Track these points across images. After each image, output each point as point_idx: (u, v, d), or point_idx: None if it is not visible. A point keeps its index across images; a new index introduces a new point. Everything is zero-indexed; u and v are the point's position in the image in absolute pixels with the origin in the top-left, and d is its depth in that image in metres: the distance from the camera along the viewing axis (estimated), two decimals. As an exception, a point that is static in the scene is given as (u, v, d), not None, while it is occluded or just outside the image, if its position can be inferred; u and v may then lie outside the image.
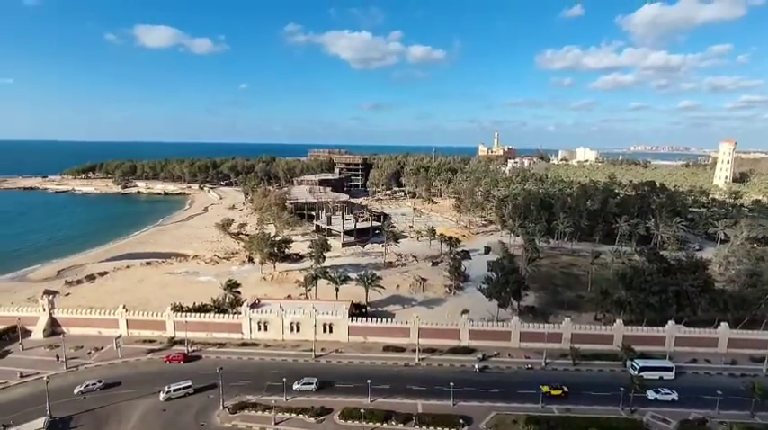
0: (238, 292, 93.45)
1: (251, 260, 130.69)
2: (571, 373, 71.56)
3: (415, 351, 76.65)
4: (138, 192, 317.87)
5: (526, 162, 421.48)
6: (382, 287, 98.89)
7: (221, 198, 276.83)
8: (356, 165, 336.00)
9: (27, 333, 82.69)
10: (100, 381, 66.64)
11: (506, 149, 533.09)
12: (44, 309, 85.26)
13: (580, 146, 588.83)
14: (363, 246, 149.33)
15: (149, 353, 77.23)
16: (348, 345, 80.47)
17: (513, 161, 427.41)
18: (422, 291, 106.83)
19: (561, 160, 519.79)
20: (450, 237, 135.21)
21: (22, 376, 69.27)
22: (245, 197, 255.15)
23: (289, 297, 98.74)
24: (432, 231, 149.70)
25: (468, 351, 78.31)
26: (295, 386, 65.76)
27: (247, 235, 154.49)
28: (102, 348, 78.67)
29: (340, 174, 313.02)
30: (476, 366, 72.93)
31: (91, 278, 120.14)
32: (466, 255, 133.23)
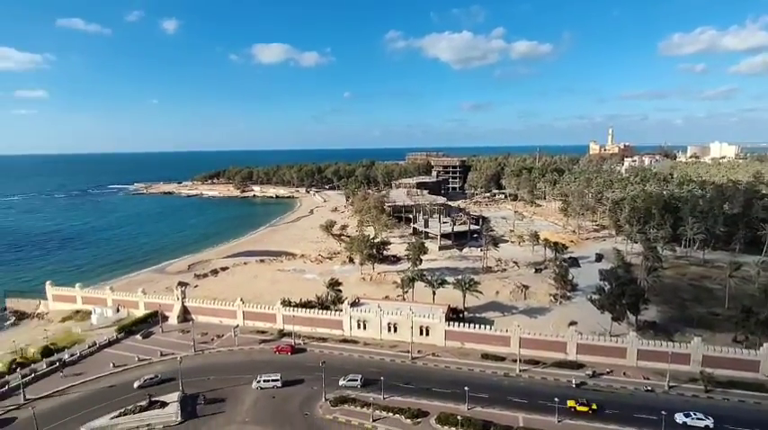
0: (340, 291, 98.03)
1: (351, 260, 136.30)
2: (704, 402, 62.32)
3: (515, 361, 73.19)
4: (254, 195, 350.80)
5: (646, 160, 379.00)
6: (480, 292, 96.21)
7: (325, 201, 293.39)
8: (454, 167, 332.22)
9: (165, 318, 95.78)
10: (156, 376, 71.00)
11: (622, 147, 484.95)
12: (178, 299, 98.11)
13: (715, 140, 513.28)
14: (461, 250, 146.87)
15: (261, 343, 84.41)
16: (444, 350, 79.62)
17: (630, 159, 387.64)
18: (523, 299, 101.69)
19: (690, 157, 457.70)
20: (556, 243, 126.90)
21: (161, 355, 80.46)
22: (347, 200, 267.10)
23: (387, 297, 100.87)
24: (535, 236, 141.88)
25: (575, 365, 72.58)
26: (341, 382, 67.68)
27: (348, 236, 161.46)
28: (222, 336, 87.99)
29: (437, 176, 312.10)
30: (573, 381, 67.39)
31: (215, 272, 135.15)
32: (574, 262, 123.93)
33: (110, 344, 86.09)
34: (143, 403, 62.84)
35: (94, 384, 71.04)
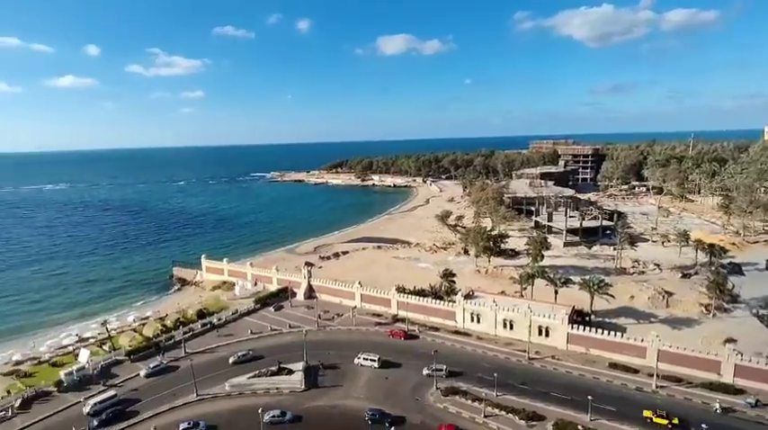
0: (453, 282, 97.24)
1: (466, 252, 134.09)
2: None
3: (651, 375, 64.97)
4: (373, 184, 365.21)
5: None
6: (611, 295, 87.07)
7: (441, 191, 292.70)
8: (585, 156, 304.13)
9: (294, 294, 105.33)
10: (249, 352, 76.16)
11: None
12: (305, 277, 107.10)
13: None
14: (590, 248, 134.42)
15: (376, 326, 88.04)
16: (566, 354, 74.12)
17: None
18: (665, 307, 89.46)
19: None
20: (712, 245, 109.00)
21: (290, 327, 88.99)
22: (464, 190, 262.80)
23: (503, 293, 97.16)
24: (684, 235, 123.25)
25: (731, 390, 61.81)
26: (356, 361, 71.27)
27: (464, 227, 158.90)
28: (342, 315, 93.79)
29: (565, 166, 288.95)
30: (717, 407, 57.51)
31: (336, 256, 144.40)
32: (736, 268, 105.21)
33: (249, 313, 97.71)
34: (273, 368, 70.28)
35: (237, 346, 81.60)
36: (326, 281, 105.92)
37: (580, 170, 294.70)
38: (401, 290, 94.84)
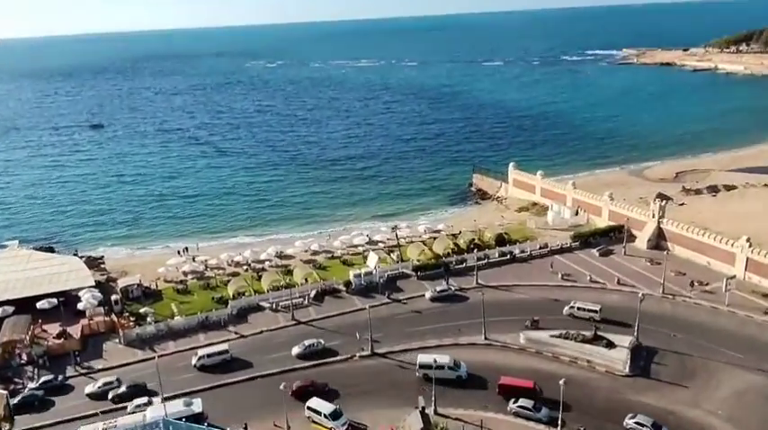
0: None
1: None
2: None
3: None
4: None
5: None
6: None
7: None
8: None
9: (632, 237, 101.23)
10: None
11: None
12: (653, 216, 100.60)
13: None
14: None
15: (767, 314, 76.72)
16: None
17: None
18: None
19: None
20: None
21: (618, 283, 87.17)
22: None
23: None
24: None
25: None
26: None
27: None
28: (706, 284, 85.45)
29: None
30: None
31: (713, 190, 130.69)
32: None
33: (561, 250, 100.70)
34: (587, 333, 71.38)
35: (538, 291, 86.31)
36: (689, 227, 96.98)
37: None
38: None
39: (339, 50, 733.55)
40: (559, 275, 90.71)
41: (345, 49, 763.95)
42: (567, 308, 79.62)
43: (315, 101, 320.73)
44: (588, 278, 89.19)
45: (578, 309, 78.57)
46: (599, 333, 71.73)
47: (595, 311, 77.15)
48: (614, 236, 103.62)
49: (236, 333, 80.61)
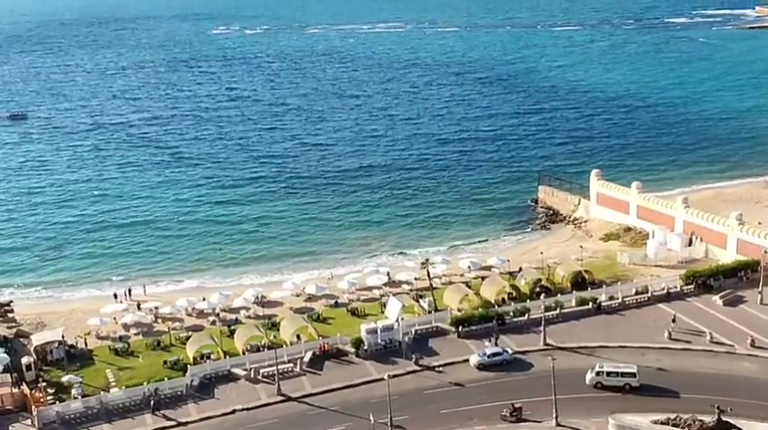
0: None
1: None
2: None
3: None
4: None
5: None
6: None
7: None
8: None
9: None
10: None
11: None
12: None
13: None
14: None
15: None
16: None
17: None
18: None
19: None
20: None
21: (752, 345, 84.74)
22: None
23: None
24: None
25: None
26: None
27: None
28: None
29: None
30: None
31: None
32: None
33: (668, 296, 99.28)
34: (707, 419, 69.72)
35: (635, 356, 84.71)
36: None
37: None
38: None
39: (347, 10, 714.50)
40: (666, 334, 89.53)
41: (357, 7, 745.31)
42: (590, 374, 78.82)
43: (313, 83, 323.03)
44: (708, 338, 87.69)
45: (608, 374, 77.61)
46: (725, 418, 70.13)
47: (632, 375, 76.36)
48: (746, 276, 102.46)
49: (197, 413, 79.37)
